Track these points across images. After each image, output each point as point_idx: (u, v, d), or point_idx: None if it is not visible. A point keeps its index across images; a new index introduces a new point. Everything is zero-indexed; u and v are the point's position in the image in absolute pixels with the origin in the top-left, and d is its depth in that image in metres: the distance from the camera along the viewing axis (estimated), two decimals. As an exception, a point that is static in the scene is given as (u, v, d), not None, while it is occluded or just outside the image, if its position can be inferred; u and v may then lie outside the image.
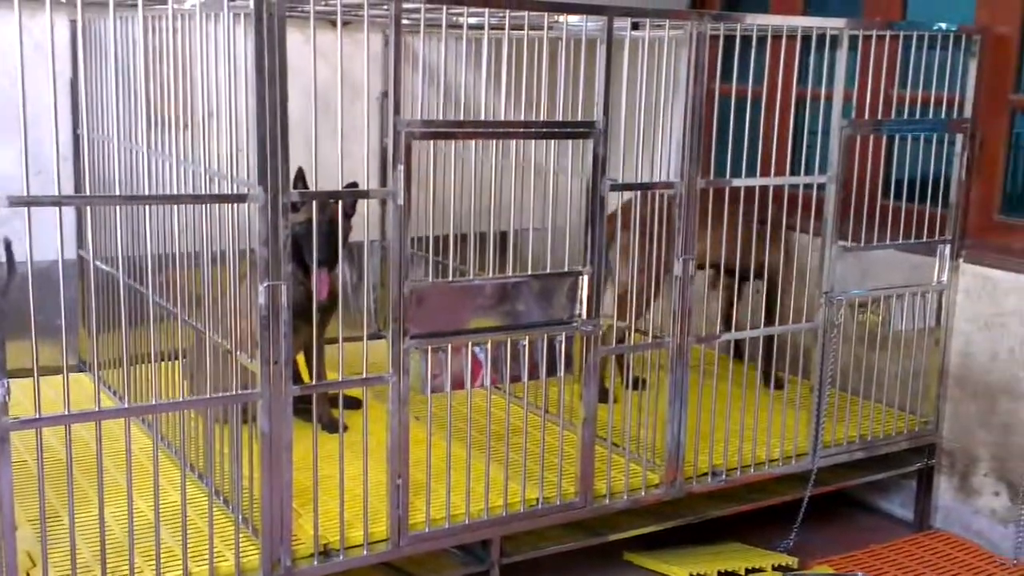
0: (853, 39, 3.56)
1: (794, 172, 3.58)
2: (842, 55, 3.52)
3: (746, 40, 3.35)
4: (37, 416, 2.48)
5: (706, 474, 3.63)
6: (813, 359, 3.77)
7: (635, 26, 3.26)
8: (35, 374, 2.44)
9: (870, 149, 3.73)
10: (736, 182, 3.46)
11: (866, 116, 3.67)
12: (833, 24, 3.52)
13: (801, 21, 3.56)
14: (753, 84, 3.39)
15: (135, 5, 2.56)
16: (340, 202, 2.88)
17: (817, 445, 3.79)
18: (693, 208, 3.34)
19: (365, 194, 2.84)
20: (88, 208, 2.65)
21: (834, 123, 3.60)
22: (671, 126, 3.30)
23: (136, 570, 2.69)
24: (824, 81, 3.57)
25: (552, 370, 3.17)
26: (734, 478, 3.67)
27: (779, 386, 4.08)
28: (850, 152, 3.66)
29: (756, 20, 3.38)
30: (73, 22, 3.81)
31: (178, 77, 2.92)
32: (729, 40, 3.34)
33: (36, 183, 2.47)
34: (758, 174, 3.52)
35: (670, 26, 3.24)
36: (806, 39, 3.52)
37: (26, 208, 2.37)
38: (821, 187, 3.64)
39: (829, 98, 3.61)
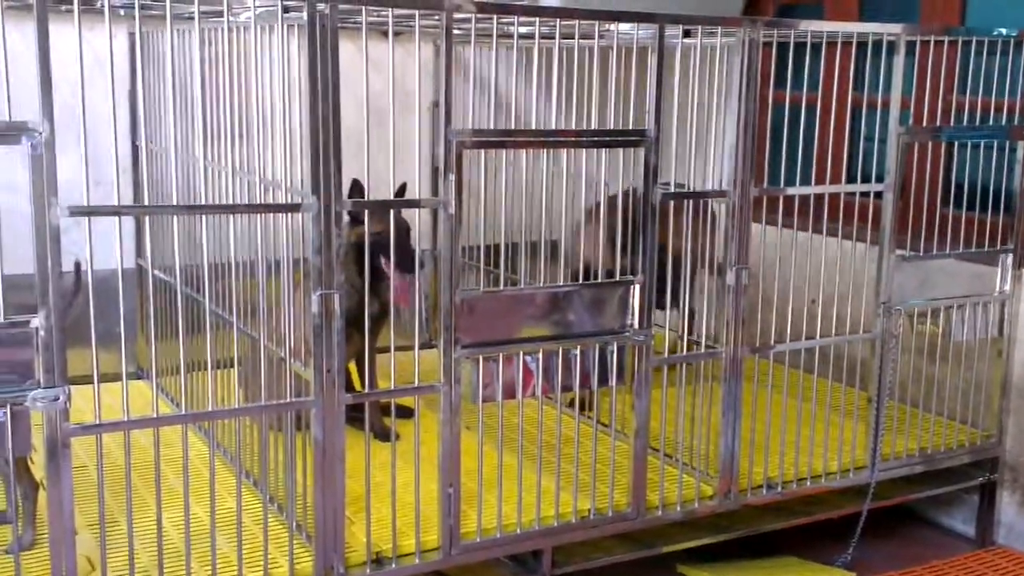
0: (910, 45, 3.51)
1: (850, 180, 3.52)
2: (899, 61, 3.47)
3: (800, 46, 3.32)
4: (97, 422, 2.52)
5: (761, 486, 3.58)
6: (871, 370, 3.70)
7: (687, 33, 3.24)
8: (95, 381, 2.48)
9: (929, 156, 3.67)
10: (791, 190, 3.43)
11: (924, 123, 3.61)
12: (890, 30, 3.46)
13: (856, 27, 3.51)
14: (808, 91, 3.35)
15: (192, 18, 2.61)
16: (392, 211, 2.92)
17: (876, 458, 3.72)
18: (747, 217, 3.31)
19: (417, 203, 2.85)
20: (146, 218, 2.71)
21: (891, 130, 3.54)
22: (724, 134, 3.28)
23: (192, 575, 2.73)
24: (881, 87, 3.52)
25: (604, 380, 3.15)
26: (790, 490, 3.62)
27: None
28: (908, 159, 3.60)
29: (810, 26, 3.34)
30: (132, 34, 3.89)
31: (234, 88, 2.96)
32: (783, 46, 3.31)
33: (97, 193, 2.52)
34: (813, 182, 3.47)
35: (722, 33, 3.22)
36: (862, 45, 3.47)
37: (86, 217, 2.43)
38: (878, 195, 3.59)
39: (886, 104, 3.56)
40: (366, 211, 2.93)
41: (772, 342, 3.56)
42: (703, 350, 3.42)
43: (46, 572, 2.56)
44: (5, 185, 2.34)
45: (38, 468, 2.72)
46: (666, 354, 3.32)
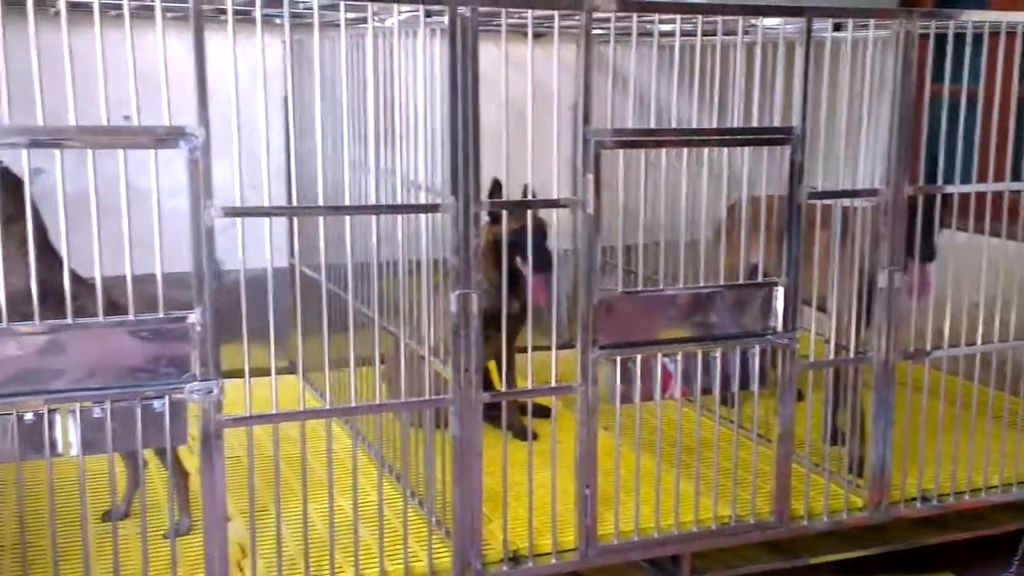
0: (1084, 33, 3.29)
1: (1015, 177, 3.33)
2: (1072, 51, 3.26)
3: (960, 37, 3.16)
4: (247, 415, 2.64)
5: (915, 499, 3.43)
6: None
7: (837, 27, 3.13)
8: (246, 376, 2.59)
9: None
10: (949, 188, 3.27)
11: (1100, 116, 3.38)
12: (1061, 18, 3.26)
13: (1023, 16, 3.31)
14: (968, 84, 3.19)
15: (339, 25, 2.69)
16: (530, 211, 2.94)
17: (1042, 472, 3.51)
18: (901, 216, 3.17)
19: (555, 203, 2.86)
20: (294, 218, 2.85)
21: (1063, 124, 3.33)
22: (876, 130, 3.15)
23: (336, 567, 2.81)
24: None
25: (745, 383, 3.08)
26: (947, 504, 3.45)
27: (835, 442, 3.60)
28: (1081, 155, 3.38)
29: (972, 17, 3.18)
30: (285, 42, 4.03)
31: (379, 92, 3.04)
32: (941, 38, 3.15)
33: (253, 196, 2.64)
34: (974, 180, 3.29)
35: (875, 26, 3.09)
36: (1029, 34, 3.28)
37: (240, 218, 2.54)
38: (1048, 193, 3.38)
39: (1057, 97, 3.35)
40: (504, 211, 2.95)
41: (928, 347, 3.39)
42: (852, 355, 3.30)
43: (200, 557, 2.69)
44: (167, 188, 2.46)
45: (194, 457, 2.86)
46: (811, 358, 3.21)
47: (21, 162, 2.45)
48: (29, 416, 2.40)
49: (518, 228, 3.07)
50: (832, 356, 3.28)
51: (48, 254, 2.64)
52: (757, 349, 3.06)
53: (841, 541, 3.43)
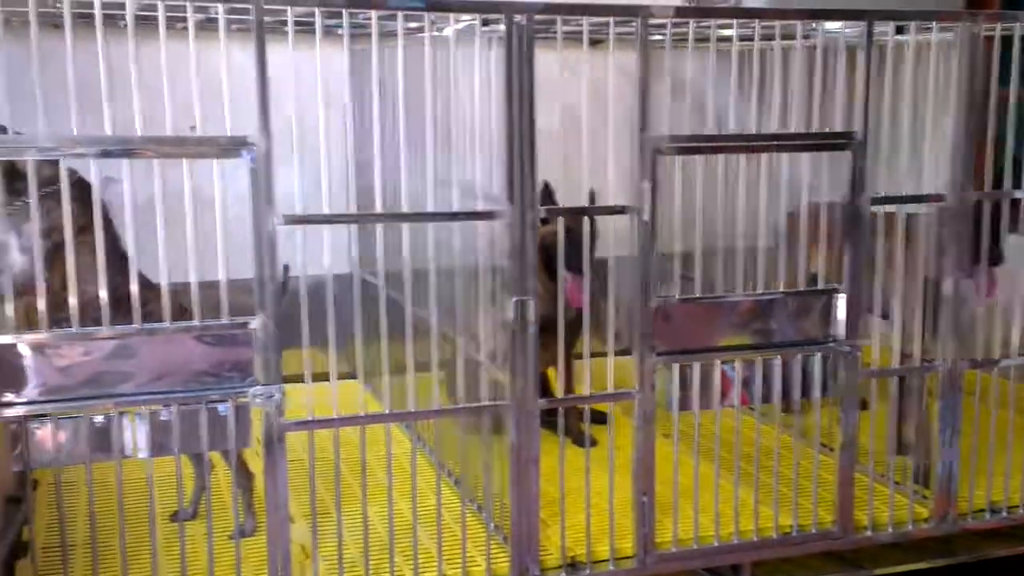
0: None
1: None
2: None
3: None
4: (309, 419, 2.68)
5: (984, 510, 3.35)
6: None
7: (899, 30, 3.08)
8: (307, 380, 2.64)
9: None
10: (1017, 194, 3.20)
11: None
12: None
13: (1096, 16, 3.23)
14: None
15: (396, 34, 2.73)
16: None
17: (1120, 483, 3.40)
18: (966, 222, 3.12)
19: (612, 209, 2.86)
20: (353, 226, 2.91)
21: None
22: (940, 135, 3.10)
23: (396, 569, 2.84)
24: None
25: (806, 391, 3.04)
26: (1016, 515, 3.37)
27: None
28: None
29: (1041, 18, 3.11)
30: (351, 52, 4.09)
31: (437, 101, 3.07)
32: (1007, 40, 3.09)
33: (315, 204, 2.68)
34: (1043, 185, 3.22)
35: (939, 28, 3.04)
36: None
37: (301, 226, 2.59)
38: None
39: None
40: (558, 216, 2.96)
41: (997, 356, 3.32)
42: (918, 363, 3.24)
43: (263, 558, 2.74)
44: (233, 196, 2.52)
45: (259, 460, 2.92)
46: (875, 366, 3.17)
47: (90, 171, 2.53)
48: (99, 419, 2.48)
49: (553, 231, 3.06)
50: (897, 364, 3.23)
51: (120, 260, 2.72)
52: (819, 357, 3.02)
53: (906, 552, 3.37)
